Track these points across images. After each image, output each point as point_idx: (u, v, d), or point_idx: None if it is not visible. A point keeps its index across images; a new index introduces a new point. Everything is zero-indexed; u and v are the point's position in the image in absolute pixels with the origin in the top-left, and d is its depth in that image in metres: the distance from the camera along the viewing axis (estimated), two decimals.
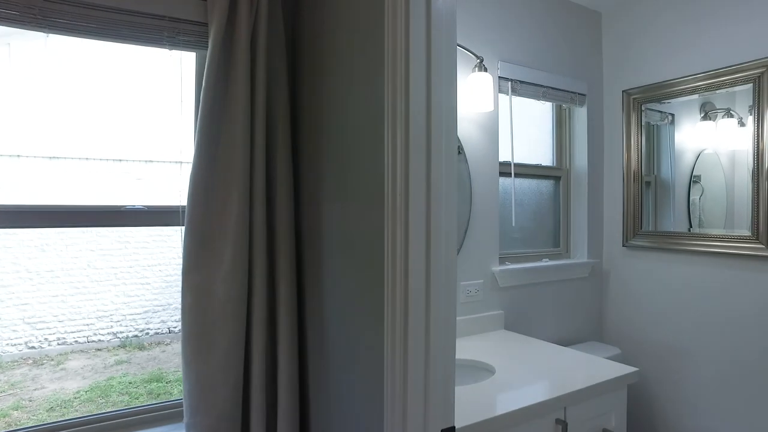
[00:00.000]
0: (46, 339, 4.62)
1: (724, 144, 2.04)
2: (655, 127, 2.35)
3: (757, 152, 1.94)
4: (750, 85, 1.97)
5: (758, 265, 1.97)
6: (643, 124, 2.37)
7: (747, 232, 1.99)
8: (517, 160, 2.36)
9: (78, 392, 4.03)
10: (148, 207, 1.53)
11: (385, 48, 1.04)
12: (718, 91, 2.10)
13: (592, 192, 2.52)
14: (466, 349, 1.81)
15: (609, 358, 2.20)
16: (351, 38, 1.24)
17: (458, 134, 2.00)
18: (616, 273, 2.50)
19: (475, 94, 1.93)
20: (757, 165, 1.94)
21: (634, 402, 2.40)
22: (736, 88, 2.03)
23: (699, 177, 2.11)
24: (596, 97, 2.54)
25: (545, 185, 2.50)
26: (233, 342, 1.41)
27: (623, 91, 2.44)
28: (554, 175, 2.53)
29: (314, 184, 1.46)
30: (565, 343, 2.40)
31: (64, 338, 4.66)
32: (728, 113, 2.02)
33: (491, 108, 2.00)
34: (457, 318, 1.98)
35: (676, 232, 2.24)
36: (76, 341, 4.69)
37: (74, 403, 3.90)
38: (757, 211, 1.95)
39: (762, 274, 1.96)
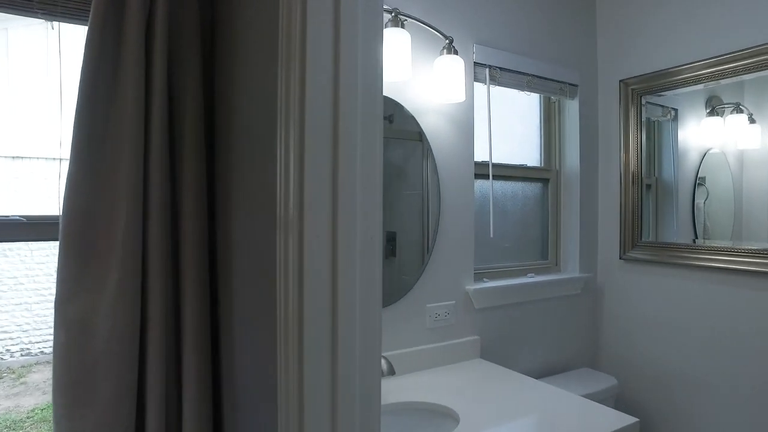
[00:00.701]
0: (8, 350, 4.33)
1: (732, 143, 1.75)
2: (656, 123, 2.05)
3: None
4: (765, 72, 1.67)
5: None
6: (643, 120, 2.07)
7: (767, 245, 1.68)
8: (497, 160, 2.06)
9: (33, 410, 3.73)
10: (28, 218, 1.23)
11: (280, 13, 0.74)
12: (725, 81, 1.80)
13: (586, 197, 2.21)
14: (429, 386, 1.51)
15: (604, 390, 1.90)
16: (251, 13, 0.94)
17: (424, 129, 1.70)
18: (612, 290, 2.19)
19: (443, 81, 1.62)
20: None
21: None
22: (747, 77, 1.73)
23: (704, 179, 1.84)
24: (590, 88, 2.24)
25: (531, 189, 2.19)
26: (121, 391, 1.11)
27: (620, 81, 2.13)
28: (542, 177, 2.22)
29: (225, 190, 1.16)
30: (555, 371, 2.09)
31: (28, 349, 4.38)
32: (737, 108, 1.74)
33: (463, 98, 1.70)
34: (423, 347, 1.68)
35: (680, 244, 1.93)
36: (41, 352, 4.40)
37: (26, 424, 3.61)
38: None
39: None
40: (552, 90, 2.11)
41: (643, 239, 2.06)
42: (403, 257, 1.65)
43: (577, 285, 2.14)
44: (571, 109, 2.22)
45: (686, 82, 1.91)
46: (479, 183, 1.98)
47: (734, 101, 1.76)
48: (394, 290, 1.62)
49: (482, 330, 1.85)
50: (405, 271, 1.65)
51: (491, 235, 1.88)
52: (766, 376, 1.69)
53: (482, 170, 1.95)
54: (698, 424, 1.87)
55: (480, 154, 1.96)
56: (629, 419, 1.28)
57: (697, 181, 1.88)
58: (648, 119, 2.07)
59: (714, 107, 1.86)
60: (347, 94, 0.72)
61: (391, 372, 1.32)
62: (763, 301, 1.70)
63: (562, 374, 2.05)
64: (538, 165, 2.23)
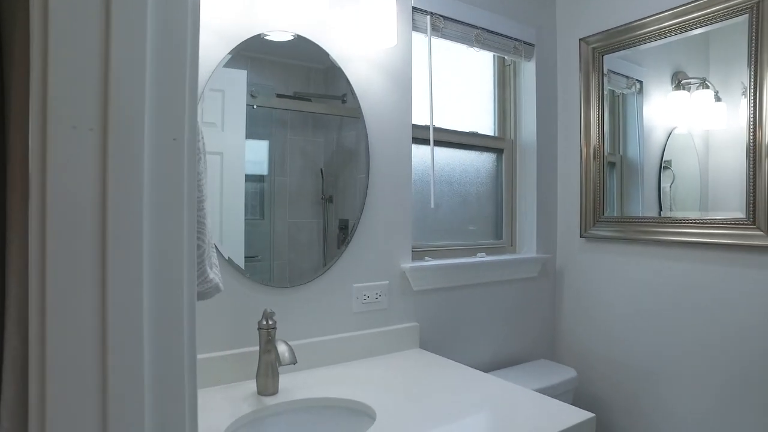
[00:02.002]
0: None
1: (698, 122, 1.57)
2: (620, 96, 1.85)
3: (755, 116, 1.44)
4: (744, 17, 1.47)
5: (755, 257, 1.45)
6: (605, 88, 1.85)
7: (741, 215, 1.47)
8: (444, 125, 1.81)
9: None
10: None
11: None
12: (692, 33, 1.60)
13: (544, 170, 1.99)
14: (348, 380, 1.24)
15: (562, 383, 1.66)
16: None
17: (351, 80, 1.43)
18: (572, 271, 1.96)
19: (370, 20, 1.37)
20: (754, 131, 1.44)
21: None
22: (716, 25, 1.53)
23: (670, 162, 1.65)
24: (548, 48, 2.01)
25: (484, 160, 1.95)
26: None
27: (580, 40, 1.91)
28: (496, 147, 1.98)
29: None
30: (508, 363, 1.84)
31: None
32: (703, 84, 1.58)
33: (394, 41, 1.44)
34: (348, 334, 1.41)
35: (645, 217, 1.72)
36: None
37: None
38: (754, 193, 1.44)
39: (762, 270, 1.44)
40: (506, 48, 1.88)
41: (605, 214, 1.84)
42: None
43: (533, 267, 1.91)
44: (528, 72, 1.99)
45: (650, 36, 1.70)
46: (421, 150, 1.73)
47: (700, 76, 1.59)
48: (308, 267, 1.35)
49: (422, 316, 1.59)
50: (317, 214, 1.38)
51: (432, 206, 1.62)
52: (740, 366, 1.48)
53: (424, 135, 1.70)
54: (667, 416, 1.65)
55: (422, 117, 1.71)
56: (585, 414, 1.03)
57: (663, 164, 1.69)
58: (612, 92, 1.87)
59: (680, 81, 1.68)
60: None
61: (293, 360, 1.05)
62: (736, 277, 1.49)
63: (516, 366, 1.80)
64: (492, 134, 1.99)
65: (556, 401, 1.11)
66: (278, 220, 1.32)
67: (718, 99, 1.55)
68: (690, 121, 1.63)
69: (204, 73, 1.19)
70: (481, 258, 1.75)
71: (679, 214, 1.65)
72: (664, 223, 1.66)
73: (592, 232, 1.87)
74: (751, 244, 1.44)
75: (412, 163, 1.64)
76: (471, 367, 1.66)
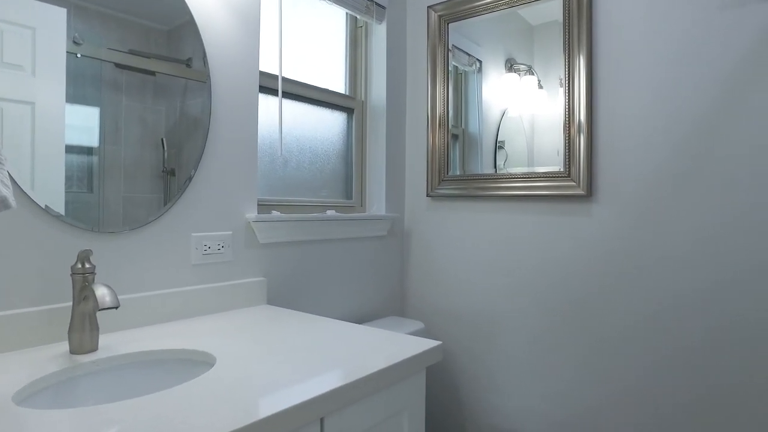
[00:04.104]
0: None
1: (526, 105, 1.76)
2: (463, 74, 1.95)
3: (570, 102, 1.64)
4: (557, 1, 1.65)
5: (571, 205, 1.65)
6: (450, 64, 1.94)
7: (560, 168, 1.66)
8: (294, 77, 1.73)
9: None
10: None
11: None
12: (520, 9, 1.76)
13: (393, 132, 2.02)
14: (186, 333, 1.11)
15: (411, 334, 1.71)
16: None
17: (191, 8, 1.28)
18: (419, 229, 2.04)
19: None
20: (570, 113, 1.63)
21: (436, 385, 1.96)
22: (545, 4, 1.70)
23: (503, 143, 1.79)
24: (398, 12, 2.05)
25: (335, 118, 1.92)
26: None
27: (428, 7, 1.98)
28: (347, 106, 1.96)
29: None
30: (360, 320, 1.85)
31: None
32: (530, 71, 1.75)
33: None
34: (187, 288, 1.26)
35: (483, 174, 1.85)
36: None
37: None
38: (569, 157, 1.63)
39: (577, 217, 1.64)
40: (357, 7, 1.86)
41: (450, 174, 1.94)
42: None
43: (382, 226, 1.94)
44: (379, 34, 2.00)
45: (486, 8, 1.83)
46: (270, 101, 1.63)
47: (527, 63, 1.76)
48: (139, 211, 1.18)
49: (270, 270, 1.50)
50: (158, 188, 1.22)
51: (280, 155, 1.54)
52: (561, 305, 1.67)
53: (274, 84, 1.60)
54: (502, 357, 1.81)
55: (271, 66, 1.61)
56: (432, 342, 1.06)
57: (498, 144, 1.83)
58: (456, 67, 1.96)
59: (512, 65, 1.83)
60: None
61: (115, 304, 0.89)
62: (557, 224, 1.67)
63: (369, 323, 1.81)
64: (344, 92, 1.96)
65: (405, 335, 1.12)
66: (110, 193, 1.12)
67: (540, 86, 1.73)
68: (519, 103, 1.79)
69: None
70: (330, 215, 1.71)
71: (511, 170, 1.80)
72: (499, 178, 1.80)
73: (437, 191, 1.95)
74: (568, 194, 1.63)
75: (261, 114, 1.53)
76: None
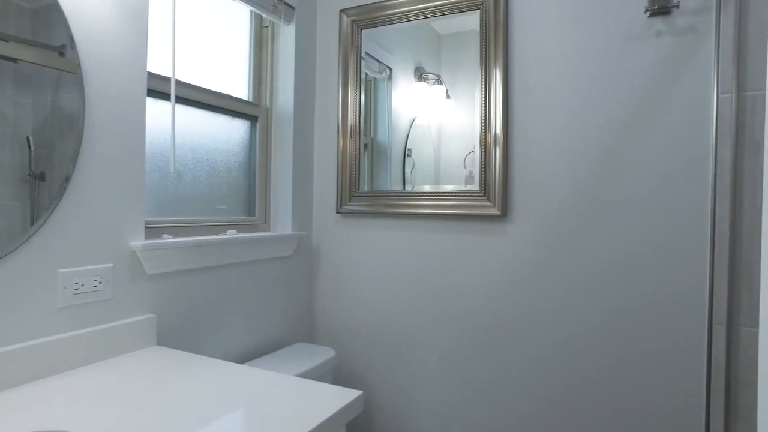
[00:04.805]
0: None
1: (434, 114, 1.76)
2: (373, 81, 1.87)
3: (486, 115, 1.62)
4: (462, 16, 1.63)
5: (486, 225, 1.64)
6: (362, 71, 1.85)
7: (476, 188, 1.64)
8: (190, 80, 1.53)
9: None
10: None
11: None
12: (432, 22, 1.72)
13: (301, 143, 1.89)
14: (43, 402, 0.90)
15: (321, 364, 1.60)
16: None
17: (67, 13, 1.05)
18: (328, 247, 1.93)
19: None
20: (486, 126, 1.62)
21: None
22: (458, 17, 1.68)
23: (411, 151, 1.76)
24: (309, 14, 1.91)
25: (236, 127, 1.74)
26: None
27: (341, 11, 1.87)
28: (250, 113, 1.79)
29: None
30: (267, 349, 1.70)
31: None
32: (438, 80, 1.73)
33: None
34: (51, 338, 1.04)
35: (392, 191, 1.79)
36: None
37: None
38: (485, 173, 1.62)
39: (491, 237, 1.63)
40: (264, 5, 1.70)
41: (360, 189, 1.85)
42: (7, 190, 0.98)
43: (289, 245, 1.80)
44: (287, 36, 1.85)
45: (396, 18, 1.77)
46: (159, 105, 1.42)
47: (436, 73, 1.74)
48: None
49: (161, 305, 1.31)
50: (22, 196, 0.98)
51: (172, 170, 1.34)
52: (472, 329, 1.66)
53: (165, 88, 1.39)
54: (417, 382, 1.76)
55: (164, 68, 1.40)
56: (352, 393, 0.96)
57: (406, 152, 1.79)
58: (366, 74, 1.88)
59: (421, 74, 1.80)
60: None
61: None
62: (473, 244, 1.66)
63: (275, 353, 1.67)
64: (247, 99, 1.79)
65: (318, 384, 1.01)
66: None
67: (448, 96, 1.71)
68: (428, 112, 1.76)
69: None
70: (231, 236, 1.54)
71: (420, 188, 1.76)
72: (409, 196, 1.74)
73: (347, 207, 1.85)
74: (483, 214, 1.61)
75: (151, 121, 1.33)
76: (226, 358, 1.46)
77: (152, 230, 1.37)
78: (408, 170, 1.80)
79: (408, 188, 1.78)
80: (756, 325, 1.33)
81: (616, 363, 1.47)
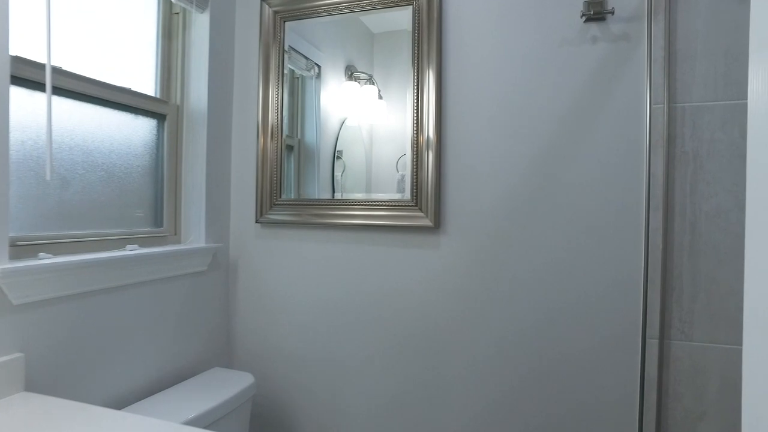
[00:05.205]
0: None
1: (365, 115, 1.64)
2: (300, 78, 1.73)
3: (418, 117, 1.52)
4: (407, 11, 1.53)
5: (419, 236, 1.54)
6: (286, 67, 1.70)
7: (407, 197, 1.54)
8: (75, 69, 1.31)
9: None
10: None
11: None
12: (361, 17, 1.61)
13: (216, 145, 1.70)
14: None
15: (239, 394, 1.43)
16: None
17: None
18: (248, 261, 1.75)
19: None
20: (418, 129, 1.52)
21: None
22: (390, 13, 1.57)
23: (342, 152, 1.64)
24: (226, 2, 1.73)
25: (140, 126, 1.53)
26: None
27: (262, 0, 1.70)
28: (157, 111, 1.58)
29: None
30: (175, 379, 1.50)
31: None
32: (370, 80, 1.63)
33: None
34: None
35: (320, 200, 1.65)
36: None
37: None
38: (417, 181, 1.52)
39: (424, 249, 1.53)
40: None
41: (283, 197, 1.69)
42: None
43: (202, 259, 1.60)
44: (200, 26, 1.66)
45: (324, 10, 1.63)
46: (27, 95, 1.20)
47: (368, 72, 1.63)
48: None
49: (33, 342, 1.09)
50: None
51: (48, 176, 1.12)
52: (407, 347, 1.55)
53: (38, 76, 1.17)
54: (348, 405, 1.63)
55: (34, 51, 1.18)
56: None
57: (336, 154, 1.67)
58: (292, 71, 1.73)
59: (352, 73, 1.68)
60: None
61: None
62: (404, 256, 1.55)
63: (185, 382, 1.47)
64: (153, 94, 1.57)
65: None
66: None
67: (380, 97, 1.61)
68: (359, 113, 1.65)
69: None
70: (132, 251, 1.34)
71: (350, 196, 1.63)
72: (338, 205, 1.61)
73: (268, 217, 1.69)
74: (416, 225, 1.51)
75: (23, 117, 1.10)
76: (125, 395, 1.26)
77: (25, 249, 1.15)
78: (338, 173, 1.68)
79: (338, 195, 1.65)
80: (687, 339, 1.32)
81: (550, 377, 1.42)
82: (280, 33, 1.70)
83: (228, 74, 1.75)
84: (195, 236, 1.64)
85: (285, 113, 1.71)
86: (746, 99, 1.28)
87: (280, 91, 1.70)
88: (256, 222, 1.70)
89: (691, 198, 1.31)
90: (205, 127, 1.65)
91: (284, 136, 1.70)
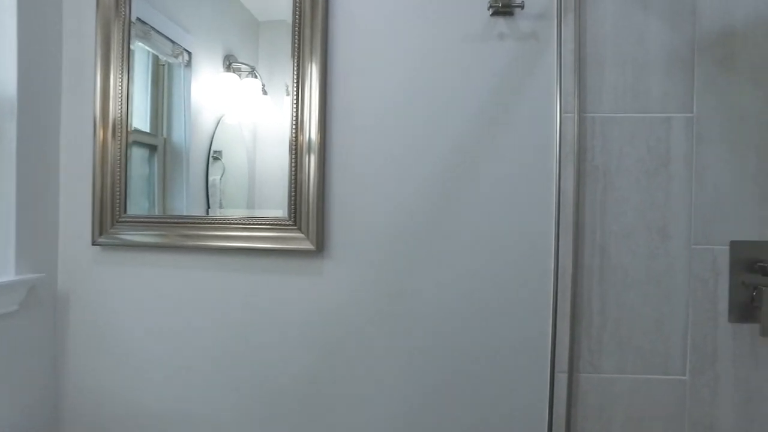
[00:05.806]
0: None
1: (247, 112, 1.37)
2: (166, 65, 1.39)
3: (298, 114, 1.26)
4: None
5: (297, 262, 1.28)
6: (131, 43, 1.35)
7: (282, 214, 1.27)
8: None
9: None
10: None
11: None
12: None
13: (34, 143, 1.29)
14: None
15: None
16: None
17: None
18: (83, 296, 1.37)
19: None
20: (297, 128, 1.26)
21: None
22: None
23: (220, 153, 1.36)
24: None
25: None
26: None
27: None
28: None
29: None
30: None
31: None
32: (253, 73, 1.37)
33: None
34: None
35: (189, 216, 1.33)
36: None
37: None
38: (296, 193, 1.26)
39: (305, 277, 1.28)
40: None
41: (131, 212, 1.33)
42: None
43: (11, 296, 1.20)
44: None
45: None
46: None
47: (251, 64, 1.35)
48: None
49: None
50: None
51: None
52: (292, 386, 1.29)
53: None
54: None
55: None
56: None
57: (213, 155, 1.38)
58: (156, 58, 1.38)
59: (231, 64, 1.40)
60: None
61: None
62: (280, 286, 1.28)
63: None
64: None
65: None
66: None
67: (264, 92, 1.35)
68: (239, 109, 1.36)
69: None
70: None
71: (228, 212, 1.34)
72: (212, 225, 1.31)
73: (111, 236, 1.32)
74: (293, 248, 1.25)
75: None
76: None
77: None
78: (216, 176, 1.38)
79: (214, 204, 1.35)
80: (596, 371, 1.21)
81: (453, 419, 1.24)
82: (125, 5, 1.33)
83: (52, 51, 1.34)
84: (2, 266, 1.22)
85: (135, 104, 1.36)
86: (653, 113, 1.20)
87: (125, 76, 1.34)
88: (93, 243, 1.33)
89: (601, 217, 1.20)
90: (15, 120, 1.23)
91: (130, 130, 1.35)
